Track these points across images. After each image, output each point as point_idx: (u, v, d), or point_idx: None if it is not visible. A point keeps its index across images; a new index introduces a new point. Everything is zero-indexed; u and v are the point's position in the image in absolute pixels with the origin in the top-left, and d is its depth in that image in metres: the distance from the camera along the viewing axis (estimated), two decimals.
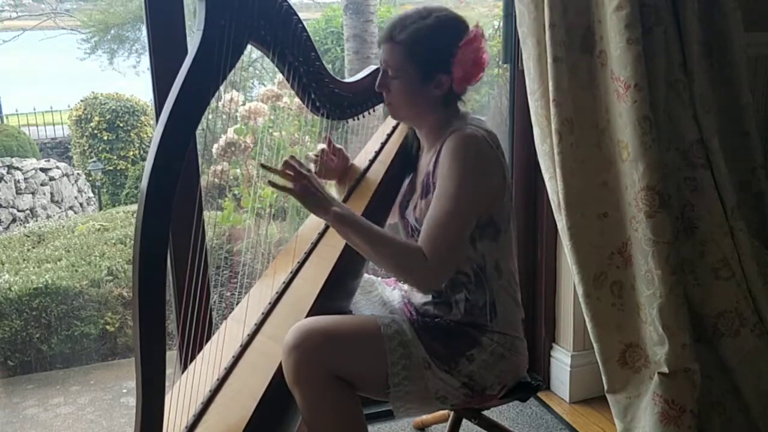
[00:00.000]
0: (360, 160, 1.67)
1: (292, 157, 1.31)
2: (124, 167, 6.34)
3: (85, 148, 6.34)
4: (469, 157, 1.32)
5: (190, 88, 1.06)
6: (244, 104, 2.55)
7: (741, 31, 1.84)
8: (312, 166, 1.59)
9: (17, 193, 5.24)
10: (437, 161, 1.38)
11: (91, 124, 6.27)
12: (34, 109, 6.89)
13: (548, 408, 2.19)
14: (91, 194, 6.27)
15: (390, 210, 1.58)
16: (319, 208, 1.31)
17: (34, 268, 3.63)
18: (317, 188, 1.31)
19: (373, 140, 1.72)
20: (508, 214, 1.43)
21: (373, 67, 1.57)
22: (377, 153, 1.65)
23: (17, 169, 5.28)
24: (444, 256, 1.30)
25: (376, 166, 1.62)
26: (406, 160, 1.60)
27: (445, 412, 1.89)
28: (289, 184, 1.29)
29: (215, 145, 2.52)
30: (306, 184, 1.30)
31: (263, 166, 1.33)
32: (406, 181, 1.58)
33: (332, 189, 1.66)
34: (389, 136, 1.67)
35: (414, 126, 1.52)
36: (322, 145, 1.62)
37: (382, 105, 1.60)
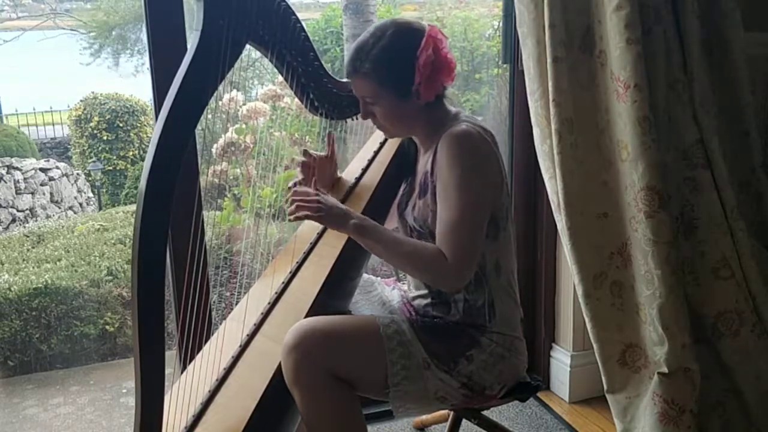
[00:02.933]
0: (359, 160, 1.67)
1: (294, 184, 1.35)
2: (123, 167, 6.33)
3: (85, 148, 6.34)
4: (465, 152, 1.32)
5: (189, 87, 1.06)
6: (244, 104, 2.55)
7: (741, 31, 1.83)
8: (298, 171, 1.58)
9: (17, 193, 5.24)
10: (434, 161, 1.38)
11: (91, 124, 6.26)
12: (34, 109, 6.88)
13: (548, 408, 2.18)
14: (91, 194, 6.26)
15: (389, 209, 1.58)
16: (338, 224, 1.34)
17: (33, 268, 3.63)
18: (331, 205, 1.33)
19: (371, 140, 1.72)
20: (506, 212, 1.43)
21: None
22: (376, 153, 1.65)
23: (17, 169, 5.28)
24: (463, 253, 1.30)
25: (374, 166, 1.62)
26: (404, 160, 1.59)
27: (445, 412, 1.89)
28: (303, 212, 1.33)
29: (215, 145, 2.52)
30: (319, 206, 1.32)
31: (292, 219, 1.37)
32: (404, 183, 1.58)
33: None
34: None
35: (410, 136, 1.53)
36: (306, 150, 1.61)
37: None
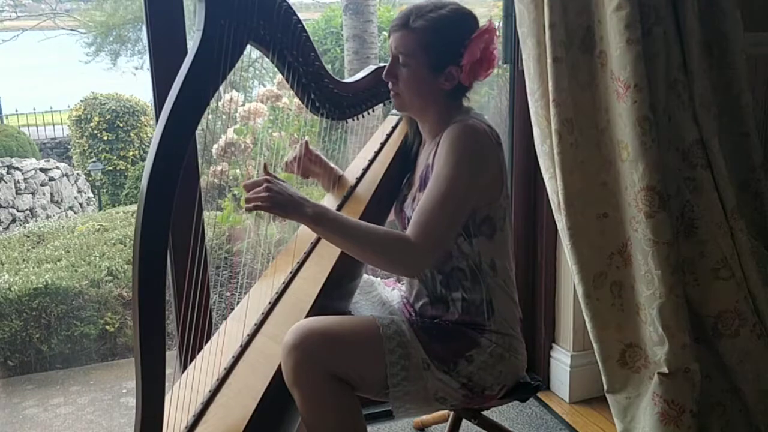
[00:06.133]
0: (360, 160, 1.67)
1: (245, 183, 1.28)
2: (123, 167, 6.35)
3: (85, 148, 6.35)
4: (468, 146, 1.32)
5: (190, 88, 1.06)
6: (243, 104, 2.56)
7: (741, 31, 1.84)
8: (291, 153, 1.59)
9: (17, 193, 5.24)
10: (436, 152, 1.38)
11: (91, 124, 6.27)
12: (34, 109, 6.89)
13: (548, 408, 2.19)
14: (91, 194, 6.27)
15: (390, 208, 1.59)
16: (293, 212, 1.27)
17: (33, 268, 3.64)
18: (283, 192, 1.26)
19: (372, 140, 1.72)
20: (504, 213, 1.42)
21: (372, 67, 1.57)
22: (377, 153, 1.65)
23: (17, 169, 5.28)
24: (430, 241, 1.29)
25: (375, 166, 1.62)
26: (405, 159, 1.60)
27: (445, 412, 1.89)
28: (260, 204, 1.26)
29: (215, 146, 2.53)
30: (271, 195, 1.25)
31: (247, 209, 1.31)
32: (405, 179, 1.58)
33: (327, 197, 1.65)
34: (389, 136, 1.67)
35: (417, 118, 1.51)
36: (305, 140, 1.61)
37: (381, 105, 1.59)
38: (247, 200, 1.27)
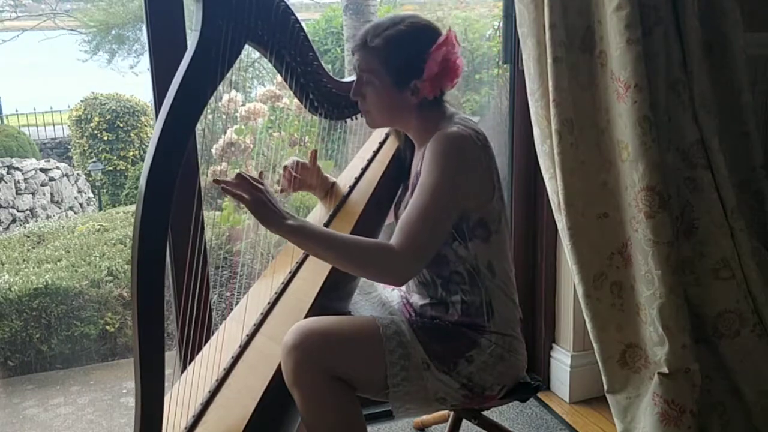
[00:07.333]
0: (358, 160, 1.67)
1: (240, 173, 1.27)
2: (124, 167, 6.34)
3: (85, 148, 6.34)
4: (451, 154, 1.32)
5: (188, 87, 1.06)
6: (243, 104, 2.56)
7: (741, 31, 1.84)
8: (278, 178, 1.59)
9: (17, 193, 5.24)
10: (423, 161, 1.37)
11: (91, 124, 6.27)
12: (34, 109, 6.88)
13: (548, 408, 2.18)
14: (91, 194, 6.26)
15: (389, 207, 1.59)
16: (270, 222, 1.27)
17: (34, 268, 3.64)
18: (270, 201, 1.27)
19: (371, 140, 1.72)
20: (499, 215, 1.42)
21: None
22: (375, 153, 1.65)
23: (17, 169, 5.28)
24: (414, 249, 1.29)
25: (374, 166, 1.62)
26: (403, 161, 1.60)
27: (445, 412, 1.89)
28: (245, 196, 1.26)
29: (215, 146, 2.52)
30: (260, 196, 1.26)
31: (216, 181, 1.30)
32: (402, 185, 1.58)
33: (319, 204, 1.65)
34: (387, 135, 1.68)
35: (402, 129, 1.52)
36: (295, 159, 1.60)
37: None
38: (238, 184, 1.25)
